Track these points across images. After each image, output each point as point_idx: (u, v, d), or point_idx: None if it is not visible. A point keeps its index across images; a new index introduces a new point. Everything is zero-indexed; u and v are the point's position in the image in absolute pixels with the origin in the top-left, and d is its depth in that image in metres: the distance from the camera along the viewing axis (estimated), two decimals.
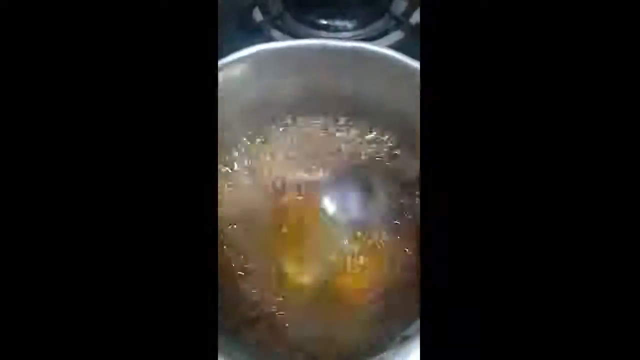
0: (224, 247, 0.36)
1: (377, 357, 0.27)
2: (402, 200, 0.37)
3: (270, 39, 0.50)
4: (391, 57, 0.34)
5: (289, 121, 0.39)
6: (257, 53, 0.35)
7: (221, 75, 0.34)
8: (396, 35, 0.50)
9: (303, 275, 0.35)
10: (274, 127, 0.39)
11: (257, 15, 0.51)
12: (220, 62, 0.34)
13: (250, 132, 0.39)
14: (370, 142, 0.39)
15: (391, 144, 0.39)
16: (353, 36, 0.51)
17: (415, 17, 0.50)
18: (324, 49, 0.35)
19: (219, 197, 0.37)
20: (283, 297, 0.34)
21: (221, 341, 0.23)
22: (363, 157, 0.39)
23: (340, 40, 0.41)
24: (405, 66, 0.34)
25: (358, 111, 0.38)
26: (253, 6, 0.50)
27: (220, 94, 0.35)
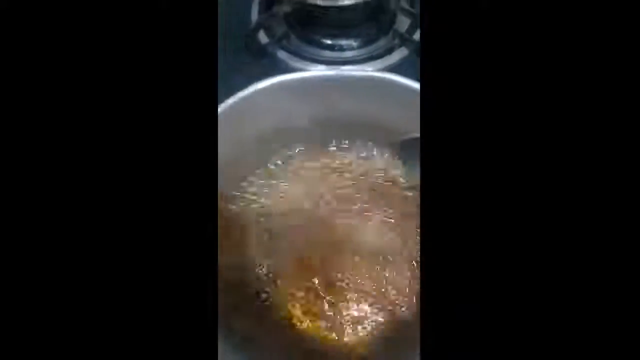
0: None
1: None
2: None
3: (276, 59, 0.51)
4: (406, 85, 0.35)
5: (305, 148, 0.40)
6: (274, 85, 0.36)
7: (239, 107, 0.35)
8: (400, 53, 0.51)
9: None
10: (290, 153, 0.40)
11: (263, 38, 0.51)
12: (241, 94, 0.35)
13: (266, 161, 0.40)
14: (386, 166, 0.40)
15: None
16: (357, 55, 0.51)
17: (419, 34, 0.50)
18: (339, 79, 0.36)
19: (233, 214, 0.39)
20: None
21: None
22: (380, 183, 0.40)
23: (354, 68, 0.42)
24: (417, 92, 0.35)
25: (374, 137, 0.39)
26: (258, 29, 0.51)
27: (238, 124, 0.36)
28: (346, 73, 0.36)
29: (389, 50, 0.51)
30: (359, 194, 0.40)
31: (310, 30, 0.52)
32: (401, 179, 0.40)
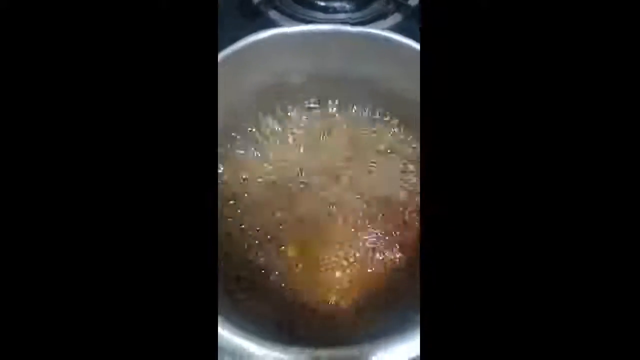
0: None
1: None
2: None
3: (269, 20, 0.50)
4: (403, 43, 0.35)
5: (300, 104, 0.40)
6: (269, 37, 0.35)
7: (233, 59, 0.34)
8: (395, 18, 0.51)
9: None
10: (288, 107, 0.40)
11: None
12: (234, 47, 0.34)
13: (261, 115, 0.39)
14: (378, 125, 0.39)
15: (398, 128, 0.40)
16: (351, 18, 0.51)
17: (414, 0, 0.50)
18: (336, 34, 0.36)
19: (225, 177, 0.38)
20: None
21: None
22: (371, 140, 0.39)
23: (347, 24, 0.41)
24: (417, 52, 0.34)
25: (368, 95, 0.39)
26: None
27: (232, 77, 0.35)
28: (345, 29, 0.35)
29: (383, 15, 0.51)
30: (352, 154, 0.39)
31: None
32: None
